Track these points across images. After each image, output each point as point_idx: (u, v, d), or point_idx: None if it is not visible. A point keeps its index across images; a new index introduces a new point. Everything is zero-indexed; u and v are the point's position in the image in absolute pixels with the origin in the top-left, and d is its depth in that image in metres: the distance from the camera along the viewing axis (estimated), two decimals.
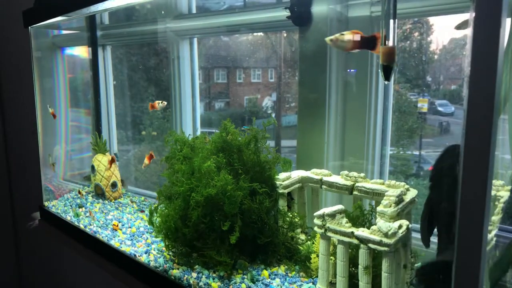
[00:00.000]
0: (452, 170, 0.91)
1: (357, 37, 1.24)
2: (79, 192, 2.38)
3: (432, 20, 1.66)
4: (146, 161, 1.96)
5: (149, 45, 2.77)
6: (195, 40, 2.32)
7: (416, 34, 1.72)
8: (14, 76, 3.36)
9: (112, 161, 2.10)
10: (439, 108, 1.87)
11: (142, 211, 2.16)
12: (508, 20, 0.69)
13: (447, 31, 1.63)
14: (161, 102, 1.89)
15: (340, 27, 1.59)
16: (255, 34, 2.48)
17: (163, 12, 2.36)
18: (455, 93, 1.77)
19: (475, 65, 0.67)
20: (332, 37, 1.24)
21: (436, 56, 1.72)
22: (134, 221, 2.01)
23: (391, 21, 1.08)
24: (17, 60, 3.23)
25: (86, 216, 2.01)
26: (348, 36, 1.24)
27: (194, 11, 2.28)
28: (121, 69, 2.92)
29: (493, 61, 0.66)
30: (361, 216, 1.30)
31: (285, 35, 2.33)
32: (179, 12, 2.27)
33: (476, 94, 0.68)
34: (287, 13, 1.63)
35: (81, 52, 2.84)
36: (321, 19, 1.60)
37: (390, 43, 1.08)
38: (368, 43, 1.22)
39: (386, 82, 1.55)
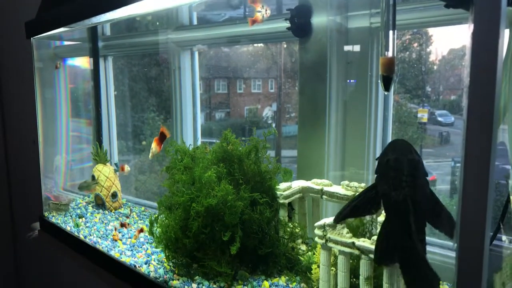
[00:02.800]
0: (396, 163, 1.00)
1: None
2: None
3: (431, 30, 1.68)
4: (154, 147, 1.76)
5: (150, 56, 2.79)
6: (196, 50, 2.34)
7: (416, 44, 1.73)
8: (16, 86, 3.38)
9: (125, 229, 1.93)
10: (439, 118, 1.88)
11: (125, 222, 2.15)
12: (507, 31, 0.70)
13: (446, 41, 1.64)
14: (265, 11, 1.45)
15: (340, 38, 1.60)
16: (255, 45, 2.49)
17: (157, 23, 2.38)
18: (454, 103, 1.78)
19: (474, 76, 0.68)
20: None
21: (435, 67, 1.73)
22: (134, 231, 2.00)
23: (390, 32, 1.09)
24: (19, 70, 3.25)
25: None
26: (153, 145, 1.74)
27: (195, 22, 2.30)
28: (122, 79, 2.94)
29: (492, 72, 0.66)
30: (361, 226, 1.30)
31: (285, 46, 2.34)
32: (180, 23, 2.29)
33: (476, 105, 0.68)
34: (287, 24, 1.64)
35: (83, 62, 2.86)
36: (321, 30, 1.61)
37: (389, 54, 1.09)
38: (162, 138, 1.76)
39: (385, 93, 1.55)
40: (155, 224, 1.58)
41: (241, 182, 1.45)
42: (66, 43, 2.89)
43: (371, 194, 1.08)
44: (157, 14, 2.40)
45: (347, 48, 1.62)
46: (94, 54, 2.71)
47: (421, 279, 0.99)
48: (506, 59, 1.00)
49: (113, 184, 2.37)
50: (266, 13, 1.47)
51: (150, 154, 1.60)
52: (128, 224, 2.09)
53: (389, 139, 1.64)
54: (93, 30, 2.66)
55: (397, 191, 0.99)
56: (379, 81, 1.14)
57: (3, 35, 3.37)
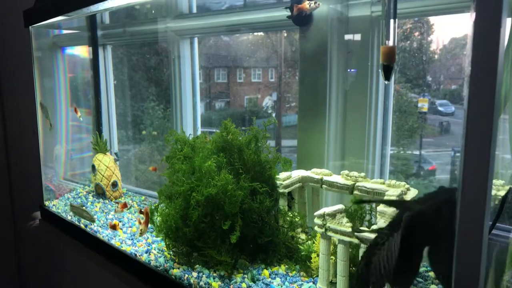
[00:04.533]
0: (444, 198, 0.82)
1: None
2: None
3: (432, 19, 1.66)
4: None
5: (150, 45, 2.77)
6: (196, 39, 2.32)
7: (417, 33, 1.72)
8: (15, 76, 3.36)
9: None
10: (440, 108, 1.87)
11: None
12: (509, 20, 0.69)
13: (448, 30, 1.63)
14: (314, 3, 1.48)
15: (341, 27, 1.59)
16: (255, 33, 2.48)
17: (153, 11, 2.36)
18: (455, 93, 1.77)
19: (476, 65, 0.67)
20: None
21: (436, 56, 1.72)
22: (135, 220, 2.01)
23: (391, 20, 1.08)
24: (18, 60, 3.23)
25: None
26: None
27: (194, 10, 2.28)
28: (121, 68, 2.92)
29: (493, 61, 0.66)
30: (359, 210, 1.30)
31: (285, 34, 2.33)
32: (180, 11, 2.27)
33: (477, 94, 0.68)
34: (287, 12, 1.63)
35: (82, 51, 2.84)
36: (321, 18, 1.60)
37: (390, 42, 1.08)
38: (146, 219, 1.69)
39: (386, 82, 1.55)
40: (156, 213, 1.59)
41: (241, 171, 1.45)
42: (65, 31, 2.87)
43: (404, 202, 1.04)
44: (156, 2, 2.38)
45: (347, 37, 1.61)
46: (93, 43, 2.69)
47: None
48: (508, 49, 1.00)
49: (113, 173, 2.37)
50: (315, 4, 1.49)
51: (139, 233, 1.68)
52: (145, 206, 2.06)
53: (390, 129, 1.64)
54: (92, 18, 2.64)
55: (417, 212, 0.83)
56: (379, 70, 1.13)
57: (1, 23, 3.35)
